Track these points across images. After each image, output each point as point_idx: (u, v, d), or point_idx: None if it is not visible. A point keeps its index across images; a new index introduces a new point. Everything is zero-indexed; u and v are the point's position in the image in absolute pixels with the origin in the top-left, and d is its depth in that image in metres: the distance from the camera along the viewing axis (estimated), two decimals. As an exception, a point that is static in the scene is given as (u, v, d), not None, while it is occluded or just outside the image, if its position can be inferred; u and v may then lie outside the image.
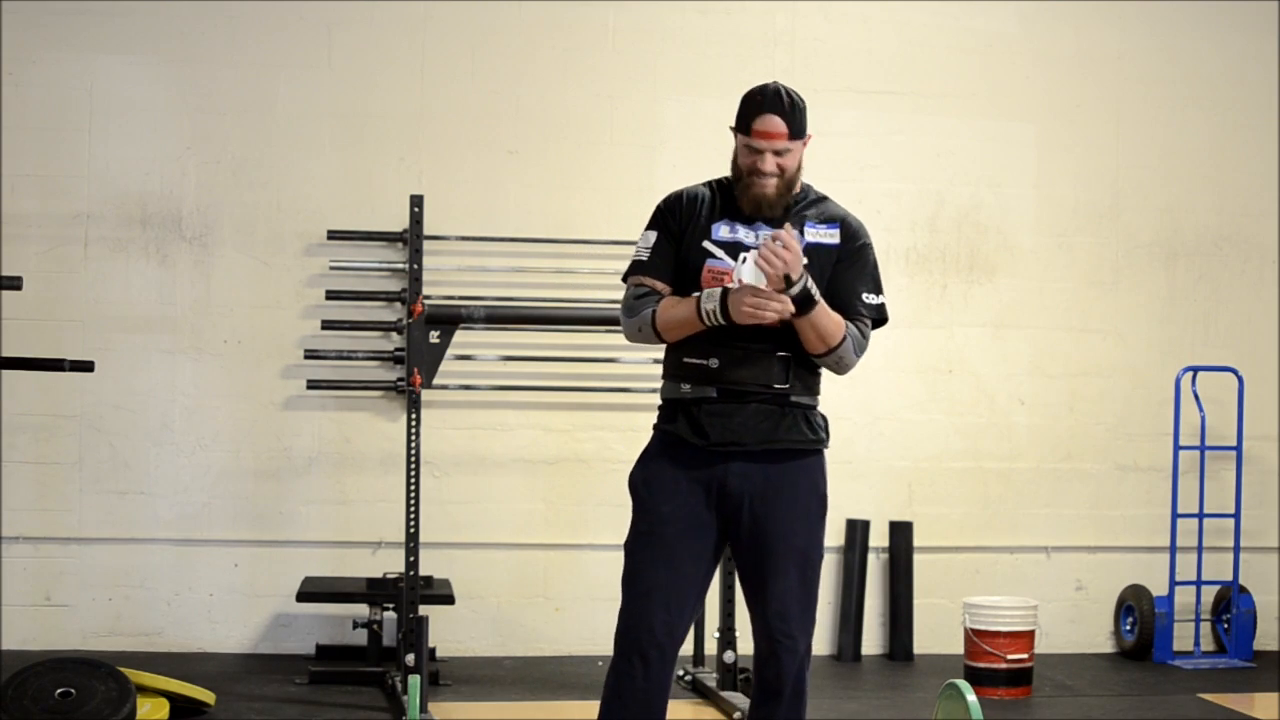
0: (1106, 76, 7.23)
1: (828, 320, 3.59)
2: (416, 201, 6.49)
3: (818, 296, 3.55)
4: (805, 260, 3.54)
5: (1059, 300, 7.17)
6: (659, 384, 3.79)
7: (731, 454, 3.61)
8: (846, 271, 3.69)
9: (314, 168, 6.69)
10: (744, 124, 3.60)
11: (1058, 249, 7.18)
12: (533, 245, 6.67)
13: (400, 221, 6.59)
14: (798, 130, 3.60)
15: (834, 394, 6.93)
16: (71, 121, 6.55)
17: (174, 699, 5.30)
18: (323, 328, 6.56)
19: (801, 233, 3.64)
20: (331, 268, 6.60)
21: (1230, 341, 7.26)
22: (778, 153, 3.59)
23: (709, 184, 3.75)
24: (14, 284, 5.14)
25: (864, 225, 3.76)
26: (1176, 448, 6.96)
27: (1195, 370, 7.07)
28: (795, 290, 3.48)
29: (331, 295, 6.58)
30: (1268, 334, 7.29)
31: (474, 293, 6.53)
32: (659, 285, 3.68)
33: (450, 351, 5.79)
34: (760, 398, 3.61)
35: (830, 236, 3.69)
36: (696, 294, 3.57)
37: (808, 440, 3.68)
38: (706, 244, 3.62)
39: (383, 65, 6.73)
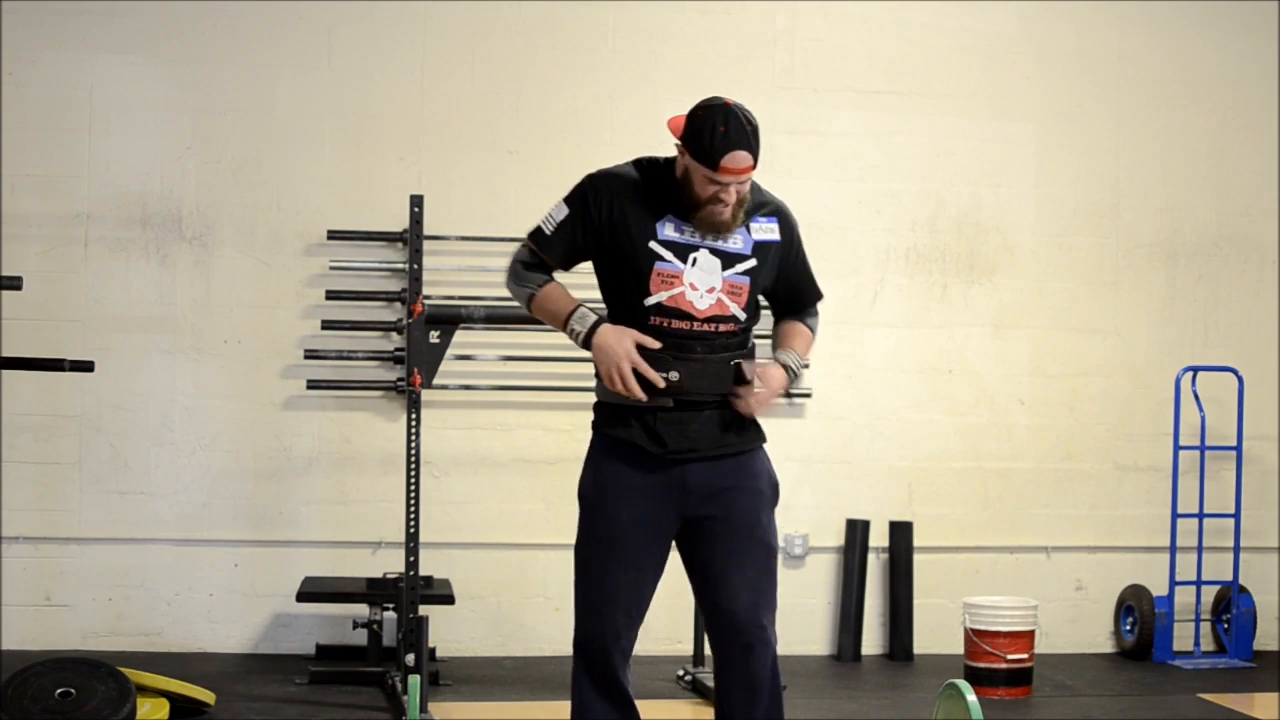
0: (1106, 76, 7.23)
1: (808, 355, 3.80)
2: (416, 201, 6.49)
3: (796, 367, 3.71)
4: (754, 262, 3.63)
5: (1059, 300, 7.17)
6: None
7: (687, 458, 3.60)
8: (795, 265, 3.77)
9: (314, 168, 6.69)
10: (709, 158, 3.47)
11: (1058, 249, 7.18)
12: (533, 245, 6.66)
13: (400, 221, 6.59)
14: (757, 159, 3.53)
15: (834, 394, 7.01)
16: (71, 121, 6.55)
17: (174, 699, 5.30)
18: (323, 328, 6.56)
19: (747, 230, 3.65)
20: (331, 268, 6.60)
21: (1230, 341, 7.26)
22: (741, 183, 3.55)
23: (638, 166, 3.69)
24: (14, 284, 5.14)
25: (788, 209, 3.78)
26: (1176, 448, 6.96)
27: (1195, 370, 7.07)
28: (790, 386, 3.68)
29: (331, 295, 6.58)
30: (1268, 334, 7.29)
31: (474, 293, 6.53)
32: (551, 263, 3.66)
33: (450, 351, 5.79)
34: (713, 405, 3.61)
35: (772, 232, 3.70)
36: (575, 305, 3.59)
37: (754, 439, 3.70)
38: (654, 245, 3.57)
39: (383, 65, 6.74)
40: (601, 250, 3.63)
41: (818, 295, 3.86)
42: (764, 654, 3.63)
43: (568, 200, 3.67)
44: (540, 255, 3.66)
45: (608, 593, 3.60)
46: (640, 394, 3.51)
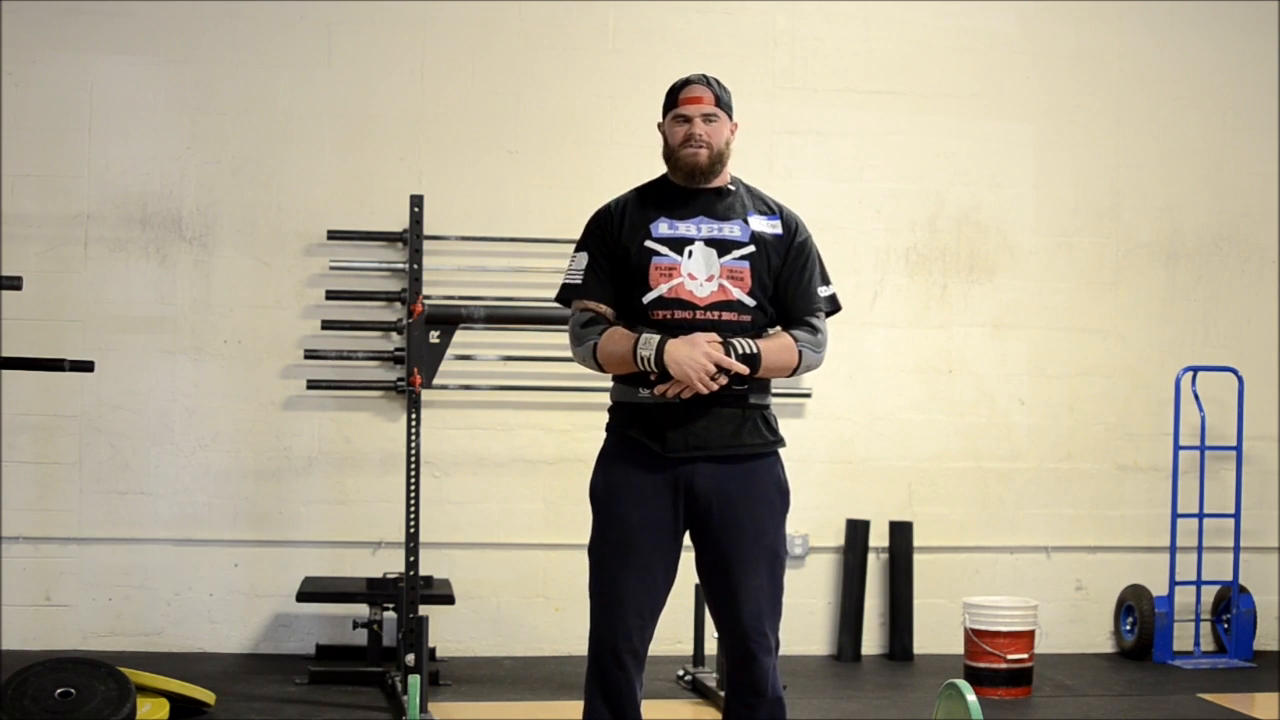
0: (1106, 76, 7.23)
1: (777, 358, 3.62)
2: (416, 201, 6.49)
3: (754, 349, 3.56)
4: (753, 248, 3.62)
5: (1059, 300, 7.17)
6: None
7: (695, 458, 3.60)
8: (795, 271, 3.70)
9: (314, 168, 6.69)
10: (671, 99, 3.68)
11: (1058, 249, 7.18)
12: (533, 245, 6.67)
13: (400, 221, 6.59)
14: (724, 103, 3.67)
15: (834, 394, 7.00)
16: (71, 121, 6.55)
17: (174, 699, 5.30)
18: (323, 328, 6.56)
19: (745, 222, 3.67)
20: (331, 268, 6.60)
21: (1230, 341, 7.26)
22: (706, 119, 3.63)
23: (635, 189, 3.77)
24: (14, 284, 5.14)
25: (798, 216, 3.77)
26: (1176, 448, 6.96)
27: (1195, 370, 7.07)
28: (735, 361, 3.52)
29: (331, 295, 6.58)
30: (1268, 334, 7.29)
31: (474, 293, 6.53)
32: (601, 308, 3.67)
33: (450, 351, 5.80)
34: (722, 402, 3.59)
35: (773, 226, 3.70)
36: (635, 335, 3.56)
37: (768, 442, 3.68)
38: (649, 243, 3.61)
39: (383, 65, 6.74)
40: (618, 271, 3.66)
41: (813, 311, 3.71)
42: (767, 660, 3.65)
43: (579, 248, 3.73)
44: (589, 306, 3.68)
45: (619, 594, 3.61)
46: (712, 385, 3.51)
